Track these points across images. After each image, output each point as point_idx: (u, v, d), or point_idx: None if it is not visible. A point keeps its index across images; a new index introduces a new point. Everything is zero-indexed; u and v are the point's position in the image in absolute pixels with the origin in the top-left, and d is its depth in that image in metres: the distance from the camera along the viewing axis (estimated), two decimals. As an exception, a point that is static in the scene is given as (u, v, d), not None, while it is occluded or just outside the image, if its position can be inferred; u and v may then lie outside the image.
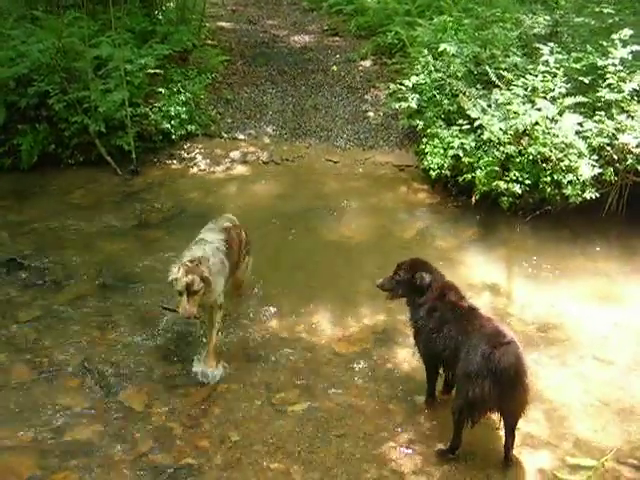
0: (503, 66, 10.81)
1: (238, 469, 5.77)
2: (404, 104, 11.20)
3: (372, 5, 15.73)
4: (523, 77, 10.36)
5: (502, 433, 5.91)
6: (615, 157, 9.65)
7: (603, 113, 9.72)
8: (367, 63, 14.49)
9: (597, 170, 9.46)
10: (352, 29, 16.00)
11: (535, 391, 6.61)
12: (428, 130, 10.86)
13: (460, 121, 10.43)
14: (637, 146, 9.34)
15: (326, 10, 17.45)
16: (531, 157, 9.71)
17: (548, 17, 11.51)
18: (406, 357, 7.19)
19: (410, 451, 6.03)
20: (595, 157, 9.56)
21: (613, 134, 9.49)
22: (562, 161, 9.56)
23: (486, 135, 9.92)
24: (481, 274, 8.82)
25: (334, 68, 14.33)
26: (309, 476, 5.73)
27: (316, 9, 17.94)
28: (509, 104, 10.01)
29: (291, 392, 6.71)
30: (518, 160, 9.81)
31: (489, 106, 10.29)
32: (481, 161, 9.90)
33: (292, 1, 19.15)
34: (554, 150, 9.60)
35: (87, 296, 8.17)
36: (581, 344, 7.57)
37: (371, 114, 12.84)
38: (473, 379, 5.59)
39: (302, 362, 7.12)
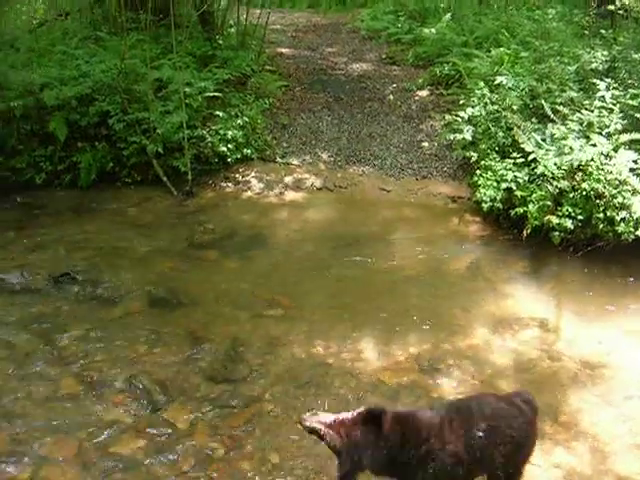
0: (559, 100, 10.81)
1: (277, 491, 5.81)
2: (459, 135, 11.27)
3: (430, 35, 15.88)
4: (579, 112, 10.35)
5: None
6: (669, 195, 9.56)
7: (659, 150, 9.66)
8: (424, 93, 14.59)
9: (651, 208, 9.38)
10: (410, 58, 16.20)
11: (581, 428, 6.66)
12: (482, 162, 10.86)
13: (514, 154, 10.41)
14: (690, 184, 9.25)
15: (385, 39, 17.75)
16: (584, 193, 9.63)
17: (606, 52, 11.47)
18: (450, 388, 7.17)
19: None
20: (649, 195, 9.47)
21: (669, 172, 9.42)
22: (615, 198, 9.46)
23: (540, 169, 9.89)
24: (530, 308, 8.75)
25: (390, 97, 14.44)
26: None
27: (375, 38, 18.19)
28: (564, 139, 9.99)
29: (334, 419, 6.72)
30: (571, 195, 9.75)
31: (544, 140, 10.29)
32: (534, 195, 9.87)
33: (351, 29, 19.44)
34: (608, 186, 9.52)
35: (137, 313, 8.33)
36: (628, 383, 7.42)
37: (426, 144, 12.89)
38: None
39: (347, 389, 7.11)
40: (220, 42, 14.10)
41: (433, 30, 15.96)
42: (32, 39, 13.27)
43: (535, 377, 7.48)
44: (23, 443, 6.26)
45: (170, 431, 6.46)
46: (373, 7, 20.20)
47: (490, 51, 13.39)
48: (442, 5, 17.70)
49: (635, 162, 9.60)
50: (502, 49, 13.04)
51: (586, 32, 13.16)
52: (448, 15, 16.37)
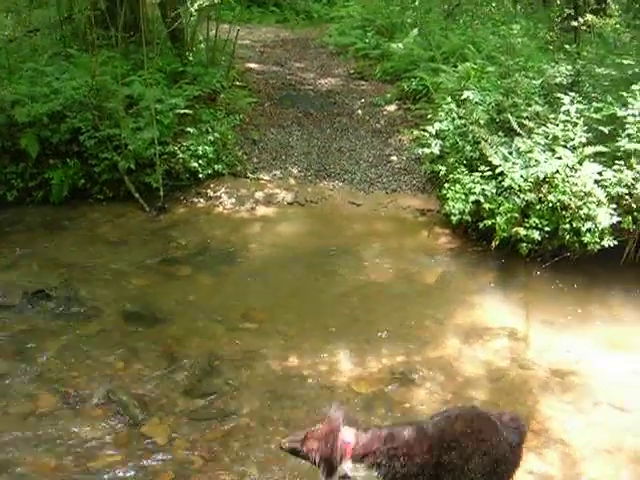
0: (525, 114, 10.99)
1: (256, 503, 5.91)
2: (427, 150, 11.43)
3: (397, 50, 16.01)
4: (544, 126, 10.54)
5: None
6: (634, 206, 9.74)
7: (622, 162, 9.86)
8: (392, 107, 14.75)
9: (615, 218, 9.56)
10: (378, 73, 16.33)
11: (552, 435, 6.83)
12: (450, 176, 11.01)
13: (482, 167, 10.56)
14: (654, 195, 9.49)
15: (352, 54, 17.84)
16: (551, 205, 9.82)
17: (570, 67, 11.70)
18: (423, 398, 7.31)
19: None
20: (614, 206, 9.66)
21: (632, 184, 9.63)
22: (581, 209, 9.66)
23: (507, 182, 10.06)
24: (499, 318, 8.93)
25: (359, 112, 14.62)
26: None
27: (343, 53, 18.28)
28: (530, 152, 10.18)
29: (311, 430, 6.84)
30: (538, 207, 9.93)
31: (510, 153, 10.46)
32: (501, 207, 10.03)
33: (319, 44, 19.56)
34: (573, 198, 9.71)
35: (113, 329, 8.39)
36: (596, 391, 7.60)
37: (395, 158, 13.04)
38: None
39: (322, 400, 7.22)
40: (190, 58, 14.13)
41: (400, 45, 16.09)
42: (1, 56, 13.26)
43: (506, 386, 7.66)
44: (1, 460, 6.31)
45: (149, 445, 6.54)
46: (341, 22, 20.31)
47: (457, 66, 13.57)
48: (409, 20, 17.82)
49: (599, 174, 9.81)
50: (468, 64, 13.23)
51: (550, 47, 13.42)
52: (415, 30, 16.53)
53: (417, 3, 18.37)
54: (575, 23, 12.05)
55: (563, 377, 7.85)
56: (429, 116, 12.59)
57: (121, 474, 6.18)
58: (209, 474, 6.22)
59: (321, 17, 23.65)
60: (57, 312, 8.67)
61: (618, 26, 11.61)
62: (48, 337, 8.13)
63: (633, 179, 9.66)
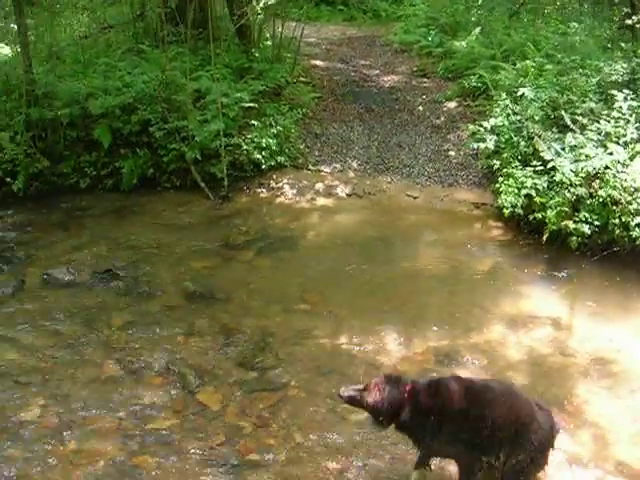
0: (579, 111, 11.17)
1: (298, 466, 6.33)
2: (482, 144, 11.70)
3: (460, 48, 16.27)
4: (597, 122, 10.74)
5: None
6: (683, 202, 9.92)
7: (674, 159, 10.03)
8: (452, 104, 15.05)
9: (665, 215, 9.75)
10: (440, 71, 16.63)
11: (586, 417, 7.10)
12: (504, 170, 11.29)
13: (534, 162, 10.83)
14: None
15: (416, 52, 18.17)
16: (601, 199, 10.01)
17: (626, 65, 11.83)
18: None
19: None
20: (663, 202, 9.84)
21: (681, 181, 9.78)
22: (631, 204, 9.82)
23: (558, 177, 10.30)
24: (546, 308, 9.17)
25: (419, 108, 14.96)
26: (363, 477, 6.26)
27: (407, 51, 18.63)
28: (582, 147, 10.40)
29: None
30: (588, 202, 10.14)
31: (563, 149, 10.68)
32: (552, 201, 10.29)
33: (384, 42, 19.90)
34: (624, 193, 9.89)
35: (175, 306, 8.98)
36: (635, 378, 7.79)
37: (452, 153, 13.36)
38: None
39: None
40: (256, 55, 14.67)
41: (463, 43, 16.35)
42: (77, 51, 13.97)
43: (545, 370, 7.93)
44: (69, 420, 6.89)
45: (203, 411, 7.05)
46: (406, 21, 20.65)
47: (516, 64, 13.82)
48: (473, 19, 18.04)
49: (650, 170, 9.99)
50: (527, 62, 13.46)
51: (609, 45, 13.54)
52: (478, 29, 16.74)
53: (481, 2, 18.46)
54: (629, 21, 12.17)
55: (603, 365, 8.05)
56: (487, 112, 12.87)
57: (176, 435, 6.68)
58: (257, 438, 6.68)
59: (388, 16, 23.88)
60: (123, 290, 9.30)
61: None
62: (114, 312, 8.76)
63: (682, 176, 9.80)
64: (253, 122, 12.83)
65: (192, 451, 6.49)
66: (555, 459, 6.45)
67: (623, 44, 12.79)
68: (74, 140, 12.50)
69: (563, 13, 18.50)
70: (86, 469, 6.27)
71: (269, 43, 15.54)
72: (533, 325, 8.80)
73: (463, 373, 7.66)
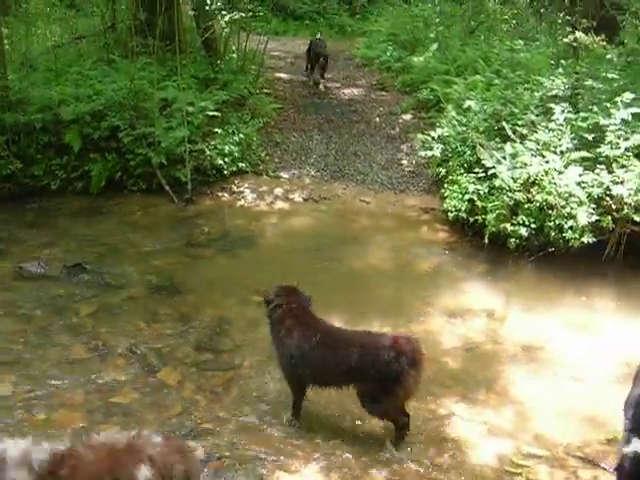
0: (520, 122, 11.98)
1: (247, 434, 7.01)
2: (429, 153, 12.49)
3: (417, 64, 17.07)
4: (536, 133, 11.56)
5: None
6: (613, 207, 10.69)
7: (604, 167, 10.83)
8: (407, 116, 15.89)
9: (594, 217, 10.51)
10: (398, 85, 17.48)
11: (511, 397, 7.84)
12: (449, 177, 12.10)
13: (477, 169, 11.64)
14: (628, 196, 10.45)
15: (377, 66, 18.98)
16: (538, 204, 10.81)
17: (565, 80, 12.67)
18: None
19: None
20: (593, 206, 10.59)
21: (608, 186, 10.60)
22: (564, 208, 10.62)
23: (498, 182, 11.10)
24: (482, 302, 9.92)
25: (376, 119, 15.77)
26: (303, 439, 6.96)
27: (368, 65, 19.47)
28: (520, 156, 11.21)
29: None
30: (526, 206, 10.92)
31: (503, 157, 11.47)
32: (491, 205, 11.08)
33: (348, 57, 20.70)
34: (558, 198, 10.69)
35: (138, 297, 9.65)
36: (559, 363, 8.49)
37: (405, 162, 14.19)
38: None
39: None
40: (221, 66, 15.35)
41: (420, 59, 17.12)
42: (50, 60, 14.58)
43: (478, 356, 8.64)
44: (39, 395, 7.49)
45: (162, 387, 7.71)
46: (369, 37, 21.46)
47: (467, 78, 14.65)
48: (431, 35, 18.84)
49: (581, 177, 10.79)
50: (477, 76, 14.32)
51: (552, 62, 14.41)
52: (435, 45, 17.55)
53: (438, 20, 19.32)
54: (566, 40, 13.04)
55: (530, 351, 8.79)
56: (438, 124, 13.66)
57: (137, 407, 7.35)
58: (211, 411, 7.36)
59: (353, 31, 24.76)
60: (91, 282, 9.95)
61: (604, 43, 12.51)
62: (82, 302, 9.41)
63: (610, 182, 10.62)
64: (217, 130, 13.52)
65: (151, 420, 7.12)
66: (478, 431, 7.26)
67: (563, 61, 13.66)
68: (46, 144, 13.10)
69: (519, 31, 19.40)
70: (54, 436, 6.90)
71: (234, 56, 16.23)
72: (469, 317, 9.53)
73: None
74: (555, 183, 10.83)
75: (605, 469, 6.70)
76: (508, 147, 11.50)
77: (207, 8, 15.25)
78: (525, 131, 11.76)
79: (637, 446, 5.88)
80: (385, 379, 6.65)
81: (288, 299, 7.15)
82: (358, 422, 7.18)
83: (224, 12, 15.94)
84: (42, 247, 11.01)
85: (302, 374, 7.00)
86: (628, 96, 11.17)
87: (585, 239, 10.57)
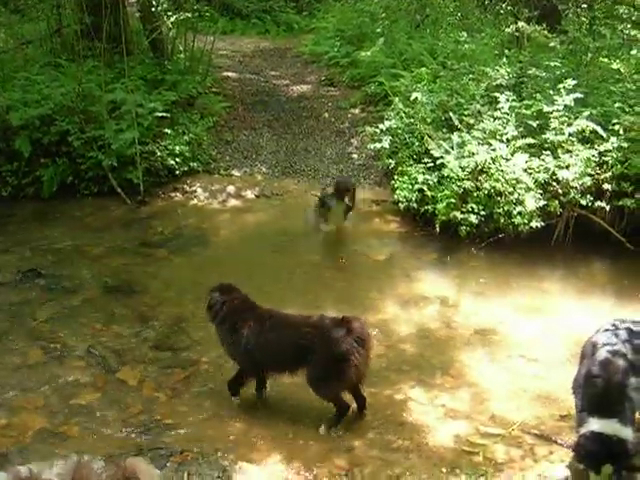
0: (466, 112, 12.18)
1: (208, 426, 7.14)
2: (378, 145, 12.63)
3: (364, 58, 17.14)
4: (482, 122, 11.78)
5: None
6: (560, 191, 10.98)
7: (549, 152, 11.11)
8: (356, 110, 16.05)
9: (542, 202, 10.78)
10: (346, 80, 17.58)
11: (466, 379, 8.03)
12: (399, 168, 12.21)
13: (425, 160, 11.82)
14: (574, 180, 10.72)
15: (325, 62, 19.05)
16: (486, 191, 11.03)
17: (509, 69, 12.93)
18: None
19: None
20: (540, 191, 10.86)
21: (554, 171, 10.86)
22: (512, 194, 10.85)
23: (446, 172, 11.29)
24: (436, 290, 10.08)
25: (325, 115, 15.90)
26: (265, 430, 7.10)
27: (316, 61, 19.57)
28: (467, 144, 11.41)
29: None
30: (475, 194, 11.11)
31: (451, 147, 11.68)
32: (441, 194, 11.27)
33: (296, 54, 20.85)
34: (506, 185, 10.92)
35: (95, 299, 9.66)
36: (512, 345, 8.71)
37: (355, 155, 14.35)
38: None
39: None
40: (169, 67, 15.35)
41: (368, 53, 17.18)
42: (-4, 66, 14.52)
43: (433, 341, 8.81)
44: (-1, 400, 7.55)
45: (122, 387, 7.77)
46: (317, 33, 21.60)
47: (413, 71, 14.83)
48: (378, 30, 18.96)
49: (528, 163, 11.04)
50: (423, 69, 14.51)
51: (496, 52, 14.67)
52: (382, 39, 17.66)
53: (384, 15, 19.49)
54: (509, 30, 13.30)
55: (484, 335, 8.99)
56: (385, 117, 13.82)
57: (97, 407, 7.41)
58: (172, 406, 7.45)
59: (301, 28, 24.83)
60: (47, 287, 9.90)
61: (546, 32, 12.79)
62: (38, 306, 9.39)
63: (555, 167, 10.89)
64: (167, 130, 13.53)
65: (112, 419, 7.21)
66: (435, 414, 7.43)
67: (507, 51, 13.92)
68: (-5, 151, 13.01)
69: (465, 24, 19.64)
70: (17, 439, 6.94)
71: (182, 56, 16.27)
72: (423, 304, 9.69)
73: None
74: (502, 170, 11.03)
75: (561, 444, 6.91)
76: (455, 137, 11.69)
77: (153, 9, 15.21)
78: (472, 120, 11.95)
79: (593, 426, 6.11)
80: (335, 358, 6.85)
81: (231, 295, 7.55)
82: (318, 411, 7.28)
83: (170, 13, 15.96)
84: (-5, 254, 10.97)
85: (258, 358, 7.24)
86: (570, 82, 11.44)
87: (534, 224, 10.82)
